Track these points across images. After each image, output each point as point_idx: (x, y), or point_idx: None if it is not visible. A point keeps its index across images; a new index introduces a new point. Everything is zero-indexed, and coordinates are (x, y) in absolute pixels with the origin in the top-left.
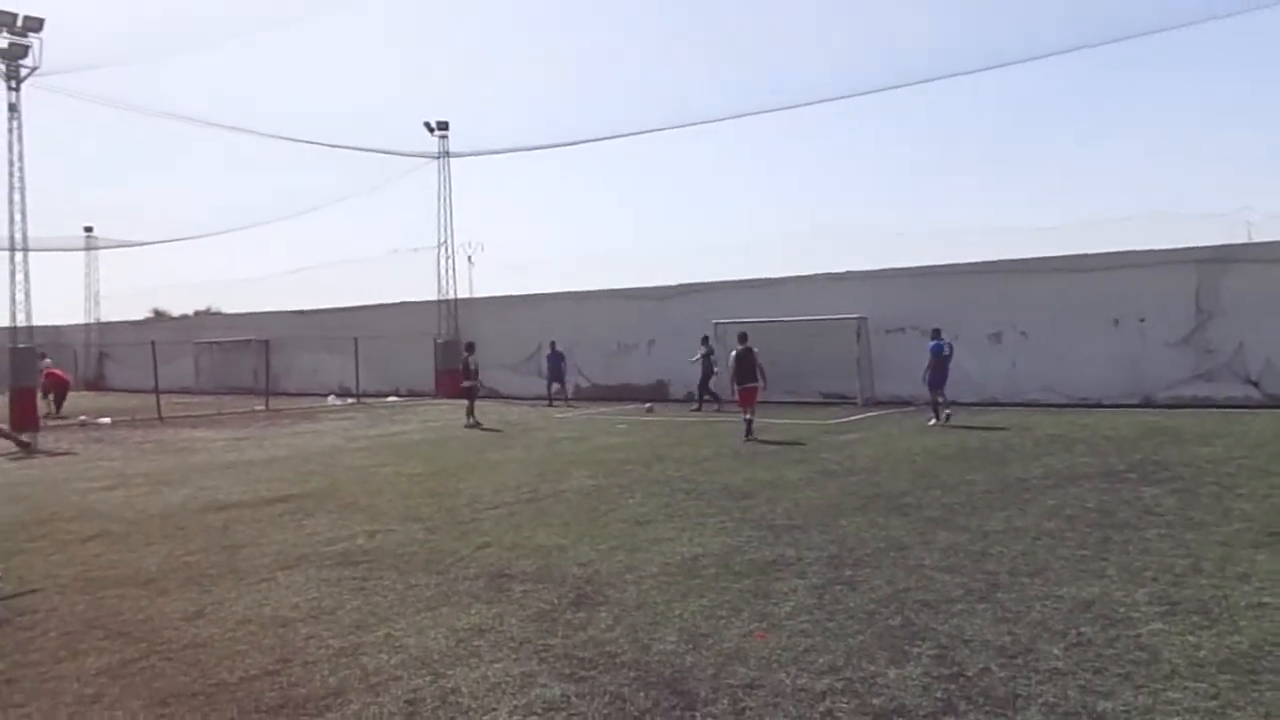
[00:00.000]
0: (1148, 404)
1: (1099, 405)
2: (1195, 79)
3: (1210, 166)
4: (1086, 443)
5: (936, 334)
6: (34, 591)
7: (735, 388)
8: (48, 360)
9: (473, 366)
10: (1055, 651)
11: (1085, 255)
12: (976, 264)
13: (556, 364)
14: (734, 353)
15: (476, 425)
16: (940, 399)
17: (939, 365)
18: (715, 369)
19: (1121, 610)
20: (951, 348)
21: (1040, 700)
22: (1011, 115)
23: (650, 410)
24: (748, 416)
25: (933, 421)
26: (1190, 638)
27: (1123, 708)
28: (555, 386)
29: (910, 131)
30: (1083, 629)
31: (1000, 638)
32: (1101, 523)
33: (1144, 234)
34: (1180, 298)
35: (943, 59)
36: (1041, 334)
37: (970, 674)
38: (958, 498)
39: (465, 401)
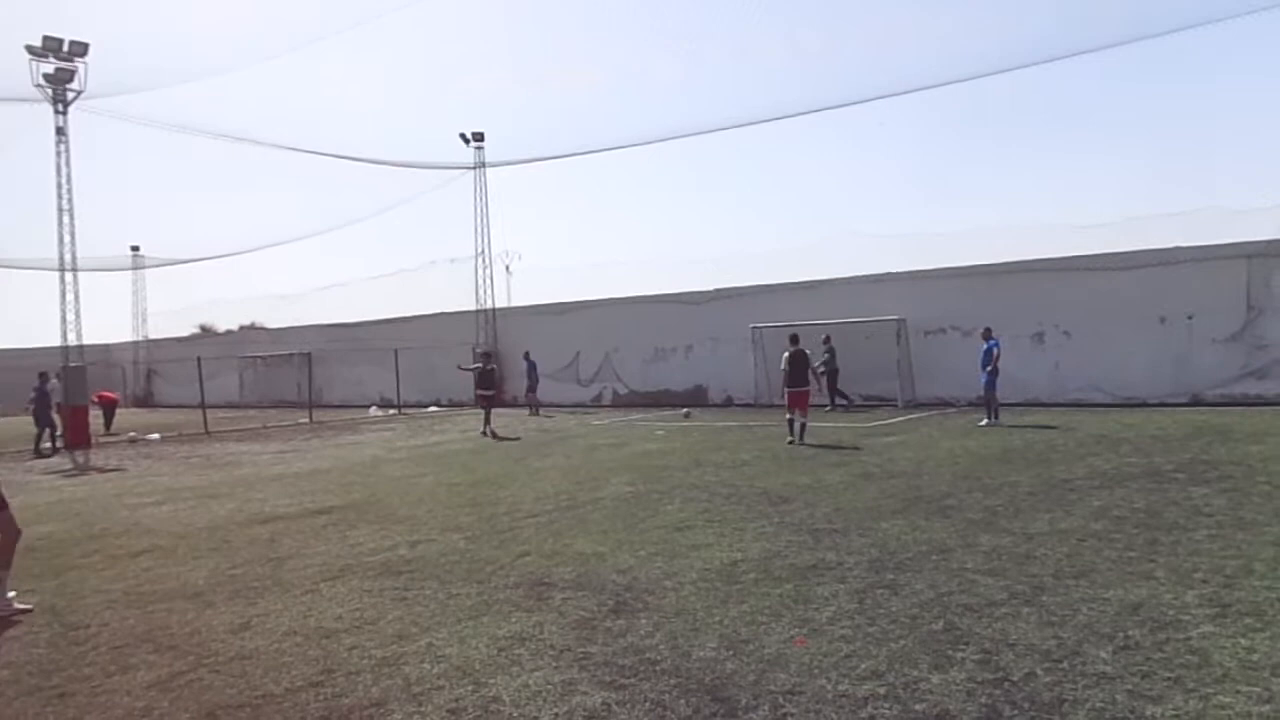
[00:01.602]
0: (1196, 402)
1: (1145, 404)
2: (1241, 70)
3: (1259, 158)
4: (1132, 442)
5: (989, 333)
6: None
7: (785, 390)
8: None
9: (497, 376)
10: (1102, 655)
11: (1130, 252)
12: (1017, 263)
13: (530, 372)
14: (786, 354)
15: (492, 435)
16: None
17: (995, 364)
18: (838, 367)
19: (1171, 613)
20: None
21: (1087, 705)
22: (1053, 110)
23: (688, 415)
24: (800, 419)
25: (985, 422)
26: (1242, 640)
27: (1173, 712)
28: (531, 395)
29: (949, 129)
30: (1130, 632)
31: (1045, 641)
32: (1149, 524)
33: (1190, 229)
34: (1229, 293)
35: (982, 55)
36: (1085, 333)
37: (1015, 679)
38: (1000, 499)
39: (483, 411)
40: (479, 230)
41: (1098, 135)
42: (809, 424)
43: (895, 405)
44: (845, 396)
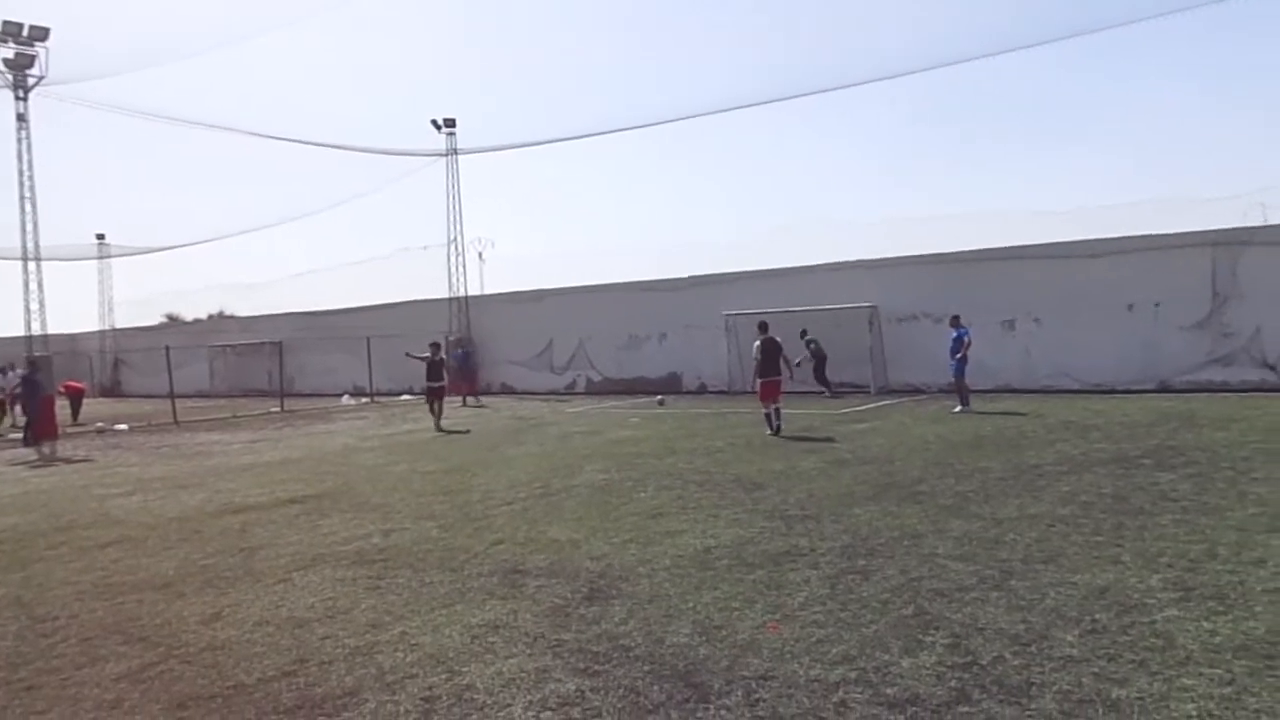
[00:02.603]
0: (1163, 389)
1: (1113, 391)
2: (1211, 60)
3: (1226, 149)
4: (1101, 429)
5: (958, 321)
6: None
7: (758, 381)
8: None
9: (451, 365)
10: (1069, 639)
11: (1099, 240)
12: (988, 250)
13: (464, 363)
14: (757, 343)
15: (438, 428)
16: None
17: (965, 352)
18: (826, 354)
19: (1136, 596)
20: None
21: (1054, 688)
22: (1023, 99)
23: (662, 403)
24: (774, 408)
25: (957, 409)
26: (1206, 624)
27: (1137, 695)
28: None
29: (919, 118)
30: (1097, 616)
31: (1014, 626)
32: (1116, 509)
33: (1158, 218)
34: (1195, 282)
35: (952, 43)
36: (1055, 320)
37: (984, 662)
38: (971, 485)
39: (431, 403)
40: (451, 217)
41: (1068, 125)
42: (783, 410)
43: (868, 392)
44: (828, 384)
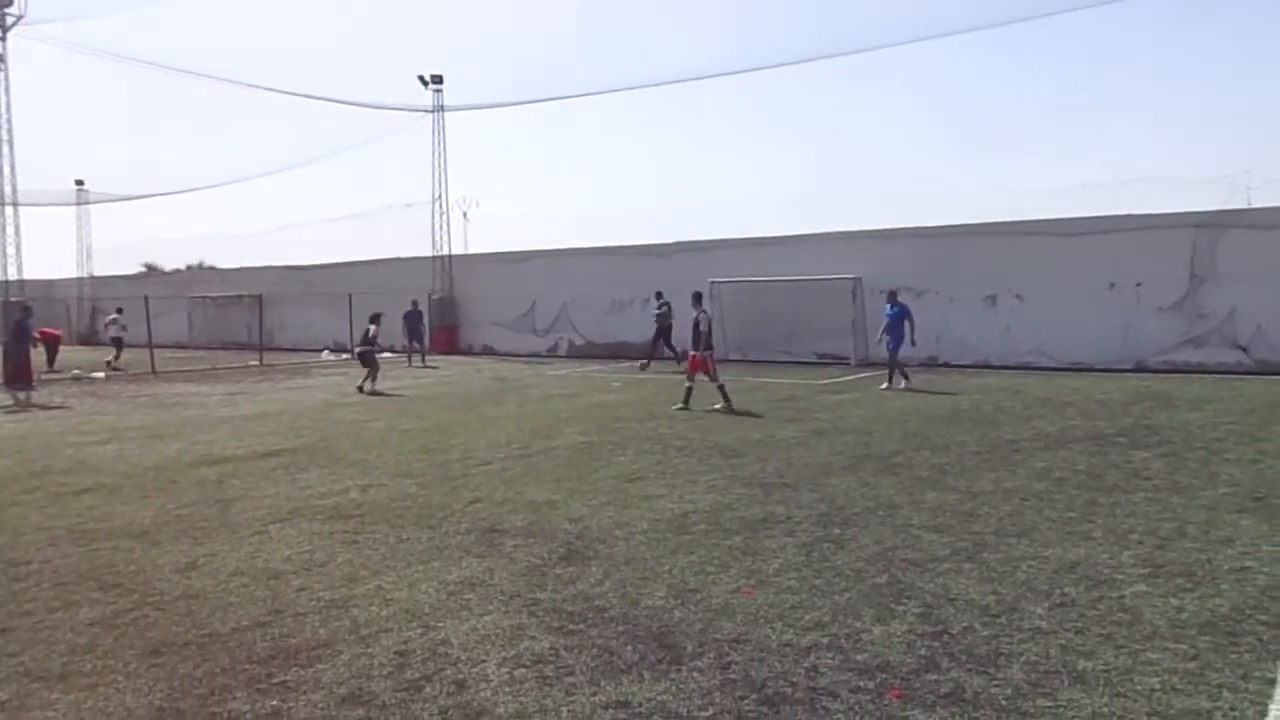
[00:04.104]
0: (1140, 369)
1: (1091, 369)
2: (1197, 42)
3: (1212, 132)
4: (1077, 406)
5: (895, 296)
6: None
7: (693, 354)
8: None
9: (372, 335)
10: (1039, 611)
11: (1082, 218)
12: (973, 225)
13: (415, 323)
14: (696, 316)
15: (375, 393)
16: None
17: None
18: (671, 324)
19: (1106, 572)
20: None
21: (1022, 659)
22: (1010, 77)
23: (644, 368)
24: (718, 381)
25: (903, 384)
26: (1173, 600)
27: (1102, 667)
28: (415, 345)
29: (910, 92)
30: (1067, 590)
31: (985, 597)
32: (1090, 485)
33: (1142, 198)
34: (1175, 262)
35: (942, 18)
36: (1036, 297)
37: (954, 632)
38: (947, 458)
39: (366, 369)
40: (436, 175)
41: (1060, 102)
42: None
43: (848, 363)
44: (673, 351)
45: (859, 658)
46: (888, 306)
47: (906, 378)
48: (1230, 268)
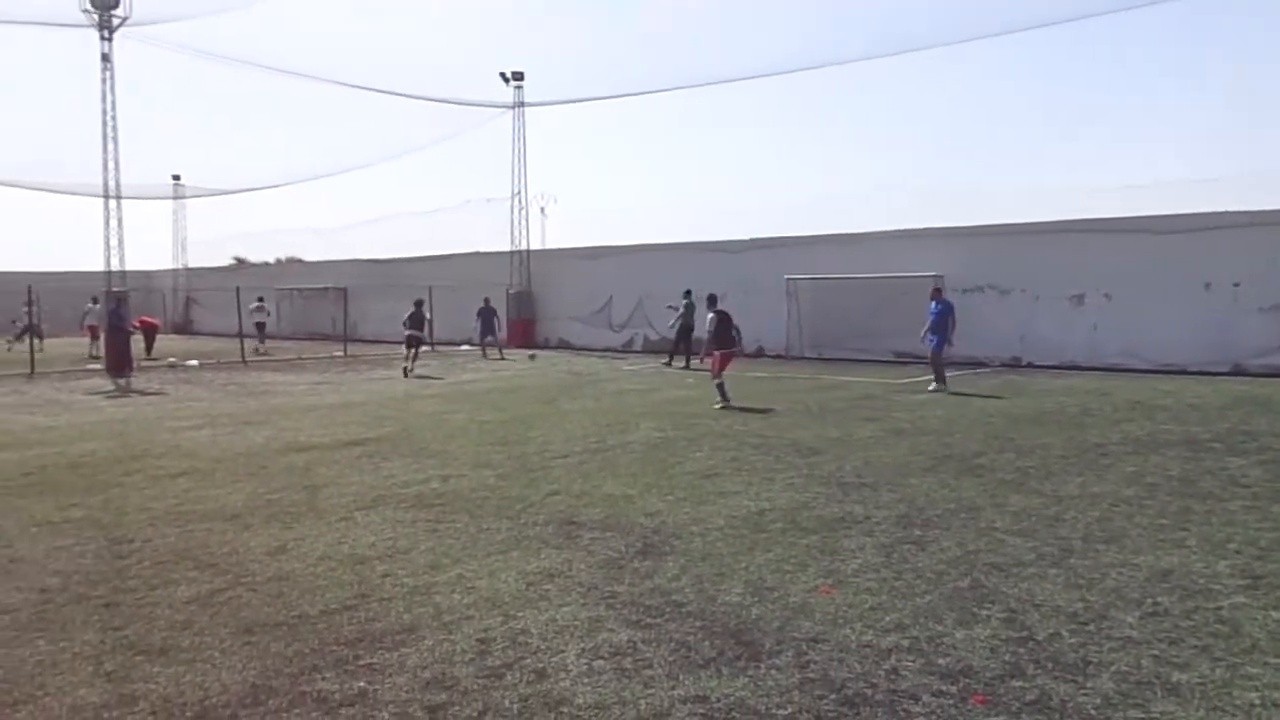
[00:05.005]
0: (1238, 372)
1: (1184, 371)
2: None
3: None
4: (1169, 410)
5: (939, 293)
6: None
7: (718, 353)
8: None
9: (427, 317)
10: (1129, 620)
11: (1176, 215)
12: (1060, 222)
13: (489, 318)
14: (711, 315)
15: (412, 373)
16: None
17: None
18: (692, 324)
19: (1201, 581)
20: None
21: (1112, 668)
22: (1102, 69)
23: (674, 364)
24: (718, 380)
25: (932, 387)
26: (1274, 613)
27: (1198, 680)
28: (489, 339)
29: (996, 85)
30: (1159, 599)
31: (1072, 604)
32: (1183, 492)
33: (1240, 194)
34: (1276, 262)
35: (1032, 8)
36: (1126, 296)
37: (1040, 638)
38: (1032, 461)
39: (412, 350)
40: (515, 170)
41: (1148, 96)
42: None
43: (928, 363)
44: (688, 357)
45: (941, 661)
46: (932, 304)
47: (942, 381)
48: None
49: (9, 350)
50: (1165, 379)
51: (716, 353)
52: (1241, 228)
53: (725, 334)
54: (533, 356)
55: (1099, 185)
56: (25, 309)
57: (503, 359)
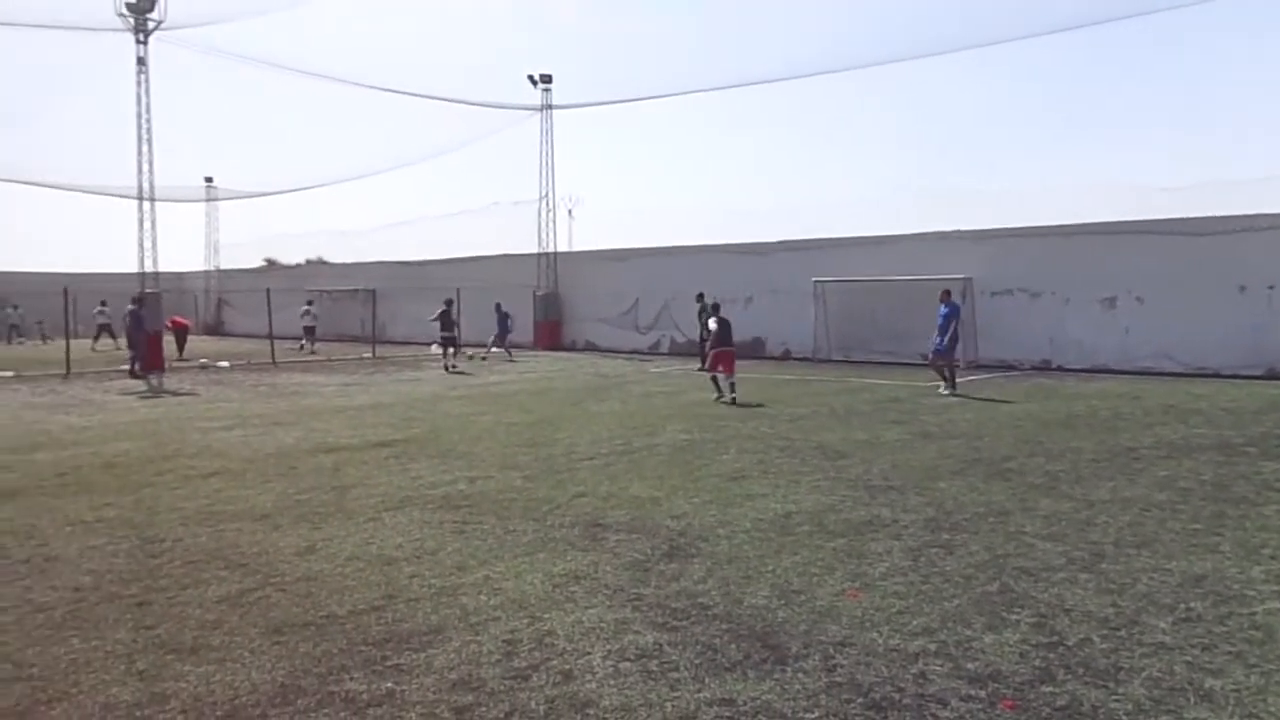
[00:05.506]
0: (1272, 375)
1: (1218, 375)
2: None
3: None
4: (1202, 413)
5: (948, 295)
6: None
7: (713, 352)
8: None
9: (455, 317)
10: (1162, 625)
11: (1210, 218)
12: (1091, 225)
13: (503, 322)
14: (712, 320)
15: (454, 369)
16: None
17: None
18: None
19: (1235, 587)
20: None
21: (1144, 674)
22: (1132, 70)
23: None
24: (728, 379)
25: (943, 387)
26: None
27: (1232, 686)
28: (494, 338)
29: (1025, 87)
30: (1192, 604)
31: (1103, 609)
32: (1216, 496)
33: (1275, 196)
34: None
35: (1060, 10)
36: (1159, 299)
37: (1070, 643)
38: (1062, 465)
39: (451, 350)
40: (543, 173)
41: (1182, 97)
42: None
43: (958, 365)
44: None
45: (969, 666)
46: (941, 307)
47: (948, 382)
48: None
49: (94, 351)
50: (1198, 382)
51: (718, 350)
52: (1277, 230)
53: (728, 336)
54: (484, 358)
55: (1131, 184)
56: (97, 311)
57: (483, 361)
